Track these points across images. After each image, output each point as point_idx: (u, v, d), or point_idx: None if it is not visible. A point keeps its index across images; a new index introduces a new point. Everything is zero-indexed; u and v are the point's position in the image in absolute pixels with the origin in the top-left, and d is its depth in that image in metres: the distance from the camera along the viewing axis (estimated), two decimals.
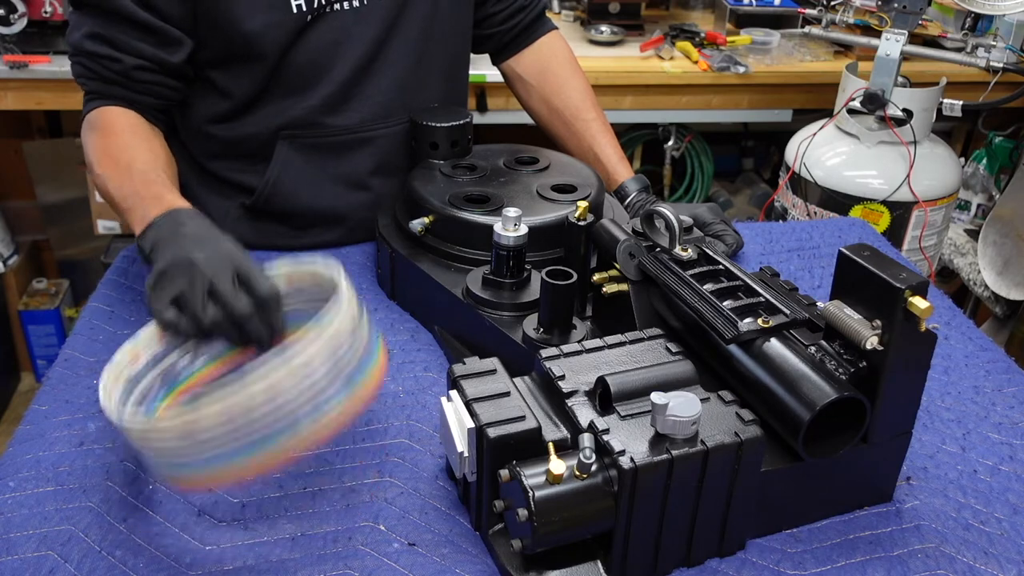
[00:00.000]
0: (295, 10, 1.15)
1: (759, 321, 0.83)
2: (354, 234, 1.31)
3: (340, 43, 1.21)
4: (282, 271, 0.91)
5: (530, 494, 0.72)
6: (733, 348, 0.84)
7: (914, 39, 2.14)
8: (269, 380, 0.72)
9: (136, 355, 0.86)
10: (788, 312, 0.84)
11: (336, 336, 0.76)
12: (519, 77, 1.46)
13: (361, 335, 0.80)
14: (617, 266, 0.96)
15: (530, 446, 0.76)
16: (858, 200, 2.02)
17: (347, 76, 1.23)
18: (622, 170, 1.35)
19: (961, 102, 2.05)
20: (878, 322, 0.77)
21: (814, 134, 2.10)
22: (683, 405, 0.73)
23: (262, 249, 1.29)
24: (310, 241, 1.30)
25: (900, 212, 2.02)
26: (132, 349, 0.86)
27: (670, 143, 2.61)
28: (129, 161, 1.08)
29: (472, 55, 1.43)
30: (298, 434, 0.75)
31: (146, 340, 0.87)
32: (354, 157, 1.28)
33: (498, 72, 1.50)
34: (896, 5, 1.99)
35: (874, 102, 1.98)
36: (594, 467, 0.74)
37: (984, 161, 2.45)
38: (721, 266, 0.91)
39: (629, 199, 1.31)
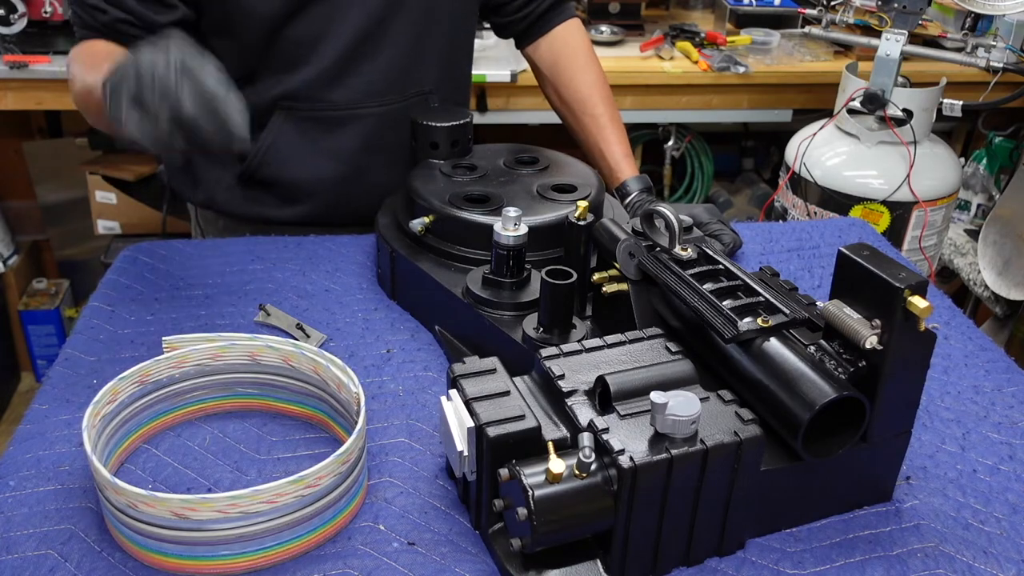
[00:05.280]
0: None
1: (759, 321, 0.83)
2: (332, 209, 1.33)
3: (336, 19, 1.22)
4: (287, 349, 0.93)
5: (529, 493, 0.72)
6: (732, 347, 0.84)
7: (914, 39, 2.14)
8: (274, 488, 0.75)
9: (116, 394, 0.88)
10: (788, 312, 0.84)
11: (346, 462, 0.80)
12: (535, 66, 1.47)
13: (361, 460, 0.84)
14: (617, 266, 0.96)
15: (530, 445, 0.76)
16: (858, 200, 2.02)
17: (342, 52, 1.24)
18: (625, 168, 1.34)
19: (961, 102, 2.05)
20: (877, 321, 0.77)
21: (814, 134, 2.10)
22: (682, 404, 0.73)
23: (251, 220, 1.34)
24: (292, 213, 1.33)
25: (900, 212, 2.02)
26: (114, 387, 0.87)
27: (670, 143, 2.61)
28: (108, 53, 1.10)
29: (476, 53, 1.44)
30: (284, 546, 0.78)
31: (126, 380, 0.89)
32: (344, 133, 1.30)
33: (498, 73, 1.51)
34: (896, 5, 1.99)
35: (874, 102, 1.98)
36: (593, 466, 0.74)
37: (984, 161, 2.45)
38: (721, 266, 0.91)
39: (629, 198, 1.31)
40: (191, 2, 1.17)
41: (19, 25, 2.06)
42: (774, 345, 0.82)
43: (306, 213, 1.33)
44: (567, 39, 1.44)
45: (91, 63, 1.10)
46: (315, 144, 1.29)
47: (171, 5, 1.16)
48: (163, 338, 0.96)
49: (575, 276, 0.94)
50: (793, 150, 2.14)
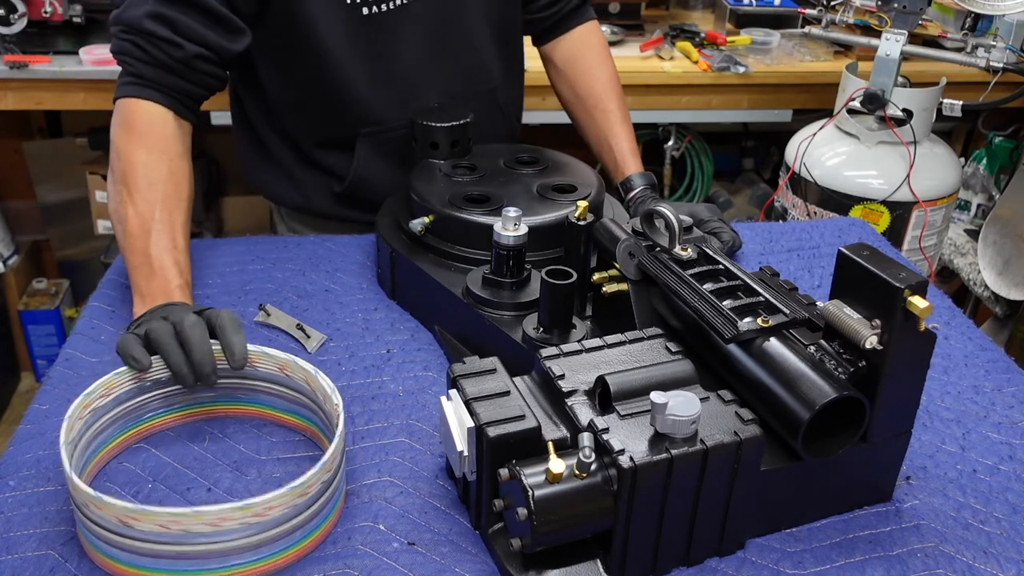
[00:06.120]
0: (349, 1, 1.19)
1: (759, 321, 0.83)
2: None
3: (397, 41, 1.25)
4: (283, 358, 0.92)
5: (529, 493, 0.72)
6: (733, 348, 0.84)
7: (914, 39, 2.14)
8: (218, 512, 0.73)
9: (110, 388, 0.88)
10: (788, 312, 0.84)
11: (304, 495, 0.77)
12: (551, 62, 1.49)
13: (328, 492, 0.81)
14: (617, 266, 0.96)
15: (530, 445, 0.76)
16: (858, 200, 2.02)
17: (409, 72, 1.27)
18: (632, 164, 1.37)
19: (961, 102, 2.05)
20: (877, 321, 0.77)
21: (814, 134, 2.10)
22: (682, 404, 0.73)
23: (354, 222, 1.37)
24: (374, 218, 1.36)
25: (900, 212, 2.02)
26: (109, 382, 0.87)
27: (670, 143, 2.61)
28: (152, 209, 1.06)
29: None
30: (228, 571, 0.76)
31: (123, 375, 0.89)
32: None
33: None
34: (896, 5, 1.99)
35: (874, 102, 1.98)
36: (593, 466, 0.74)
37: (984, 161, 2.45)
38: (721, 266, 0.91)
39: (632, 194, 1.32)
40: (258, 24, 1.17)
41: (19, 25, 2.06)
42: (774, 345, 0.82)
43: None
44: (585, 38, 1.47)
45: (135, 217, 1.06)
46: (401, 161, 1.33)
47: (242, 32, 1.15)
48: None
49: (575, 276, 0.94)
50: (793, 150, 2.14)
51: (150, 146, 1.11)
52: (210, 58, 1.13)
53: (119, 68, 1.15)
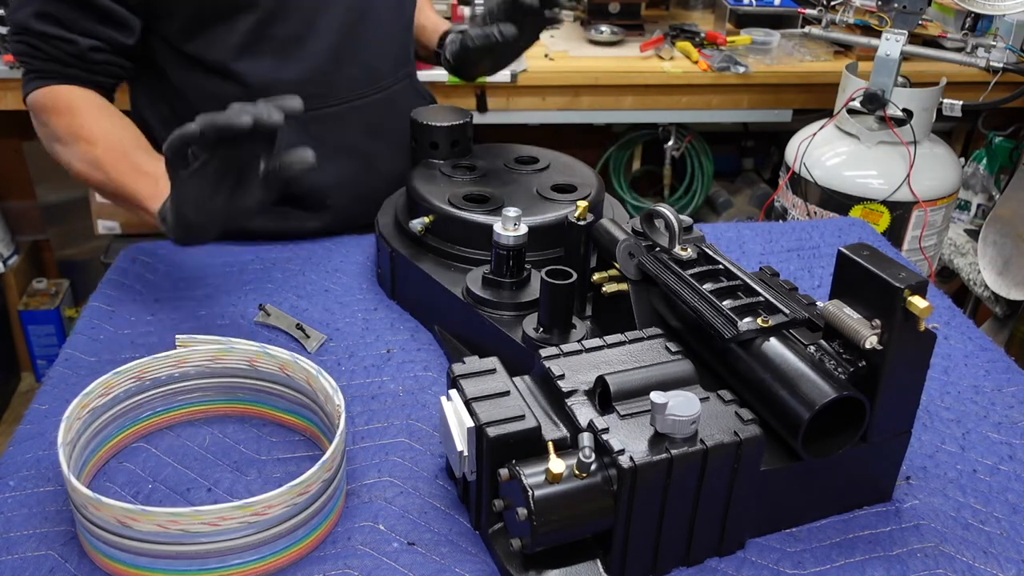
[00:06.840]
0: None
1: (759, 321, 0.83)
2: (353, 209, 1.31)
3: (320, 11, 1.22)
4: (284, 358, 0.92)
5: (529, 493, 0.72)
6: (732, 347, 0.84)
7: (914, 39, 2.14)
8: (217, 511, 0.73)
9: (109, 388, 0.88)
10: (788, 312, 0.84)
11: (304, 493, 0.77)
12: None
13: (328, 492, 0.80)
14: (617, 266, 0.96)
15: (530, 445, 0.76)
16: (858, 200, 2.02)
17: (334, 42, 1.24)
18: (445, 25, 1.43)
19: (961, 102, 2.05)
20: (877, 321, 0.77)
21: (814, 134, 2.10)
22: (682, 404, 0.73)
23: (272, 238, 1.30)
24: (321, 222, 1.32)
25: (900, 212, 2.02)
26: (108, 381, 0.87)
27: (670, 143, 2.61)
28: (119, 139, 1.06)
29: None
30: (227, 571, 0.76)
31: (122, 375, 0.89)
32: (348, 124, 1.31)
33: (499, 74, 1.51)
34: (896, 5, 1.99)
35: (874, 102, 1.98)
36: (593, 466, 0.74)
37: (984, 161, 2.45)
38: (721, 265, 0.91)
39: (449, 35, 1.34)
40: (151, 14, 1.15)
41: None
42: (774, 345, 0.82)
43: (331, 219, 1.33)
44: None
45: (105, 148, 1.05)
46: (325, 144, 1.27)
47: (130, 24, 1.14)
48: (177, 336, 0.95)
49: (575, 276, 0.94)
50: (793, 150, 2.14)
51: (87, 108, 1.11)
52: (104, 48, 1.13)
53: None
